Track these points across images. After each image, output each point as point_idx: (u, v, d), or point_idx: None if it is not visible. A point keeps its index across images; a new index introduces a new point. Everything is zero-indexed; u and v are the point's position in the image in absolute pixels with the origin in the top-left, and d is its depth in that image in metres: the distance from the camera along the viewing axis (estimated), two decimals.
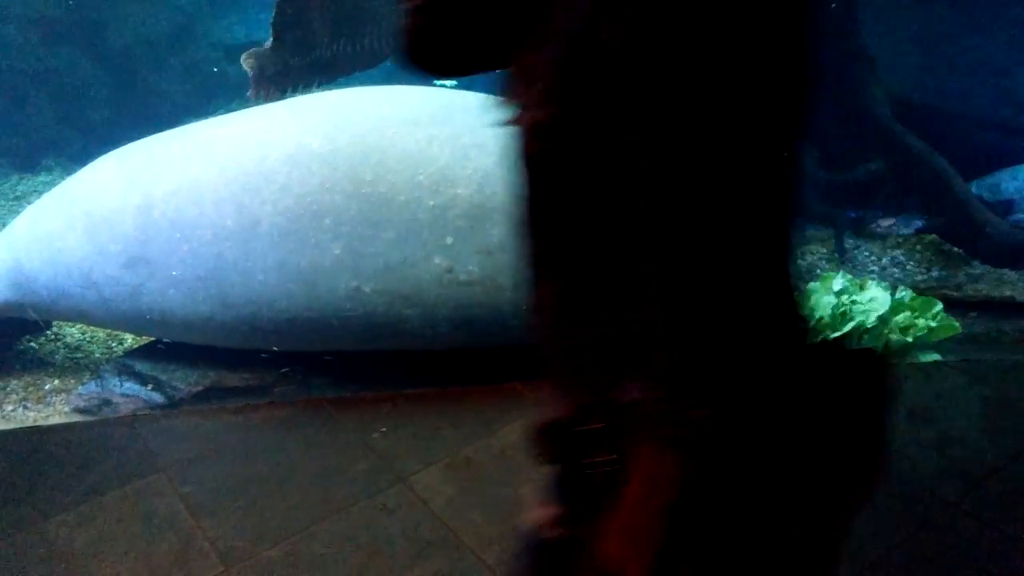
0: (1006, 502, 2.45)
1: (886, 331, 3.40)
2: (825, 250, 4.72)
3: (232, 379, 3.59)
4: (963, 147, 5.05)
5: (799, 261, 4.63)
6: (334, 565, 2.41)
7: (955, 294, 3.71)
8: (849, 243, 4.82)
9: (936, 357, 3.35)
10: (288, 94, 4.60)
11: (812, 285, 3.62)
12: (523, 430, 2.92)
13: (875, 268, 4.57)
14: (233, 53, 8.48)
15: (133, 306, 3.45)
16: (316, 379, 3.58)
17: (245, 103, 6.13)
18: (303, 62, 4.66)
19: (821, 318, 3.40)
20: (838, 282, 3.53)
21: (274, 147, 3.23)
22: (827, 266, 4.55)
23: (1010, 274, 3.99)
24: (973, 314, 3.50)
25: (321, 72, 4.75)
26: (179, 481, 2.81)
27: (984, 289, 3.86)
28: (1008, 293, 3.81)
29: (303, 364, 3.62)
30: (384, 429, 3.00)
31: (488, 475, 2.74)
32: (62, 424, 3.40)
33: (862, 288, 3.52)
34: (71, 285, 3.49)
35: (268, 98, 4.63)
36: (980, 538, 2.33)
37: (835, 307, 3.41)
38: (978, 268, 4.16)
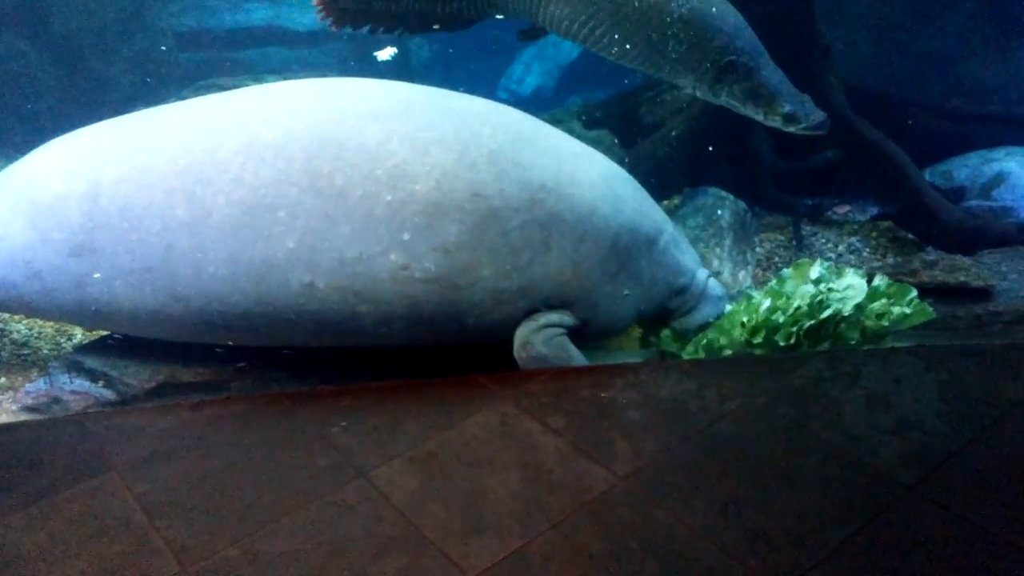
0: (964, 487, 2.48)
1: (862, 319, 3.43)
2: (783, 237, 4.77)
3: (186, 374, 3.52)
4: (916, 135, 5.14)
5: (758, 249, 4.67)
6: (294, 563, 2.37)
7: (911, 280, 3.75)
8: (806, 230, 4.87)
9: (906, 343, 3.39)
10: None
11: (785, 272, 3.64)
12: (486, 422, 2.91)
13: (832, 255, 4.62)
14: (183, 41, 8.34)
15: (78, 297, 3.36)
16: (273, 373, 3.54)
17: (195, 92, 6.04)
18: (388, 9, 4.63)
19: (799, 307, 3.42)
20: (815, 270, 3.56)
21: (228, 136, 3.16)
22: (785, 253, 4.59)
23: (963, 260, 4.05)
24: (929, 300, 3.54)
25: (405, 24, 4.73)
26: (132, 480, 2.75)
27: (939, 275, 3.90)
28: (962, 279, 3.86)
29: (260, 358, 3.57)
30: (344, 423, 2.96)
31: (451, 468, 2.71)
32: (9, 423, 3.31)
33: (840, 275, 3.55)
34: (13, 275, 3.40)
35: (332, 26, 4.66)
36: (939, 523, 2.36)
37: (813, 295, 3.43)
38: (932, 254, 4.22)
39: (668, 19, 4.12)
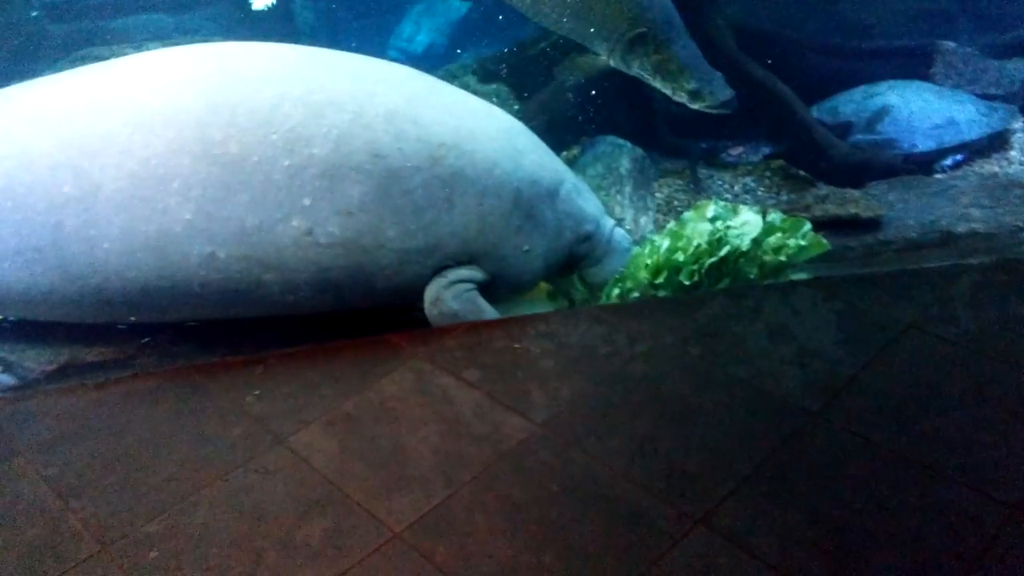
0: (864, 408, 2.61)
1: (760, 253, 3.54)
2: (681, 181, 4.85)
3: (89, 354, 3.41)
4: (802, 73, 5.27)
5: (657, 194, 4.76)
6: (219, 532, 2.35)
7: (805, 215, 3.88)
8: (703, 173, 4.97)
9: (804, 275, 3.53)
10: None
11: (686, 215, 3.71)
12: (401, 380, 2.92)
13: (728, 196, 4.74)
14: (53, 11, 7.94)
15: None
16: (181, 347, 3.46)
17: (72, 63, 5.79)
18: None
19: (699, 245, 3.51)
20: (711, 209, 3.64)
21: (113, 107, 3.05)
22: (684, 197, 4.69)
23: (853, 192, 4.20)
24: (823, 233, 3.67)
25: None
26: (42, 464, 2.68)
27: (831, 208, 4.05)
28: (853, 211, 4.02)
29: (166, 333, 3.49)
30: (258, 392, 2.93)
31: (369, 428, 2.72)
32: None
33: (735, 213, 3.65)
34: None
35: None
36: (842, 444, 2.48)
37: (711, 233, 3.52)
38: (823, 189, 4.36)
39: None
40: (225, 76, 3.11)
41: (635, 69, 4.26)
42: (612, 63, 4.34)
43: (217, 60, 3.21)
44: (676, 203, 4.68)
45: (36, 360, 3.39)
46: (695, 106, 4.22)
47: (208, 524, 2.39)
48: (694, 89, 4.15)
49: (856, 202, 4.08)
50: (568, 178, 3.63)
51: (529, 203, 3.39)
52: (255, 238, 3.04)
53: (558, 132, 4.93)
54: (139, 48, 5.88)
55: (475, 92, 5.41)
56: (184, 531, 2.37)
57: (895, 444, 2.47)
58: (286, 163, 3.01)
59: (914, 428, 2.53)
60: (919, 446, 2.45)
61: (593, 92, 5.05)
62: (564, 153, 5.16)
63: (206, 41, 5.49)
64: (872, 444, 2.47)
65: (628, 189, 4.54)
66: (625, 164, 4.62)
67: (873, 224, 4.05)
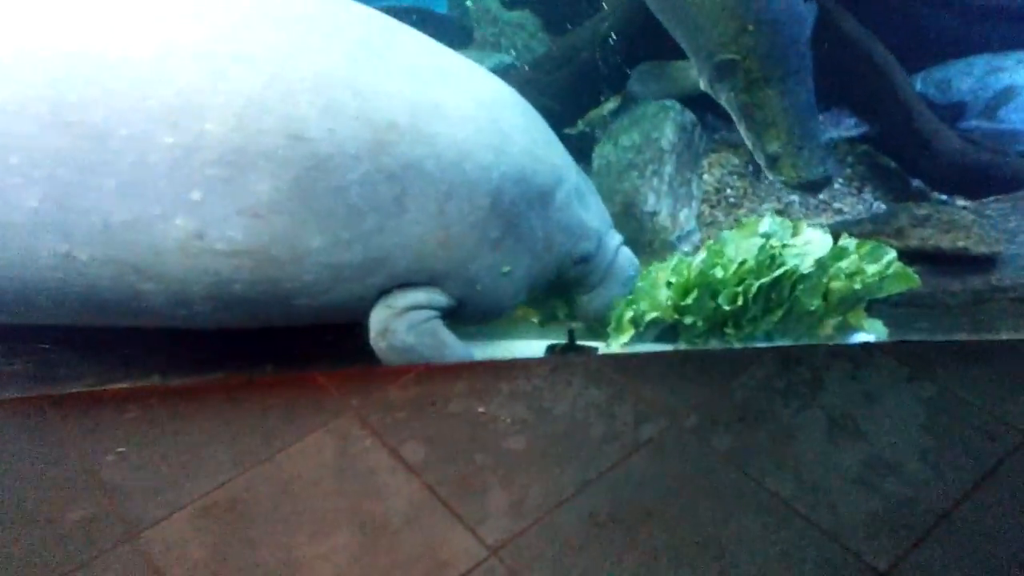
0: (954, 570, 1.91)
1: (826, 279, 2.85)
2: (738, 160, 4.04)
3: None
4: (909, 31, 4.39)
5: (706, 176, 3.98)
6: None
7: (896, 243, 3.08)
8: None
9: (873, 337, 2.83)
10: None
11: (726, 233, 3.03)
12: (318, 450, 2.26)
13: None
14: None
15: None
16: (64, 354, 2.80)
17: None
18: None
19: (744, 262, 2.86)
20: (765, 223, 2.97)
21: None
22: (739, 184, 3.90)
23: (964, 215, 3.32)
24: (916, 268, 2.91)
25: None
26: None
27: (931, 237, 3.21)
28: (961, 243, 3.17)
29: (49, 334, 2.83)
30: (123, 448, 2.29)
31: (258, 526, 2.08)
32: None
33: (796, 231, 2.96)
34: None
35: None
36: None
37: (762, 249, 2.84)
38: (924, 208, 3.49)
39: None
40: (97, 14, 2.35)
41: (723, 100, 3.50)
42: (702, 85, 3.58)
43: None
44: (729, 191, 3.89)
45: None
46: (771, 175, 3.47)
47: None
48: (773, 153, 3.38)
49: (967, 230, 3.21)
50: (569, 177, 2.89)
51: (512, 208, 2.65)
52: (124, 238, 2.32)
53: (592, 83, 4.16)
54: None
55: (496, 19, 4.66)
56: None
57: None
58: (168, 140, 2.27)
59: None
60: None
61: (642, 34, 4.23)
62: (602, 106, 4.40)
63: None
64: None
65: (668, 169, 3.75)
66: (668, 135, 3.82)
67: (986, 262, 3.21)
